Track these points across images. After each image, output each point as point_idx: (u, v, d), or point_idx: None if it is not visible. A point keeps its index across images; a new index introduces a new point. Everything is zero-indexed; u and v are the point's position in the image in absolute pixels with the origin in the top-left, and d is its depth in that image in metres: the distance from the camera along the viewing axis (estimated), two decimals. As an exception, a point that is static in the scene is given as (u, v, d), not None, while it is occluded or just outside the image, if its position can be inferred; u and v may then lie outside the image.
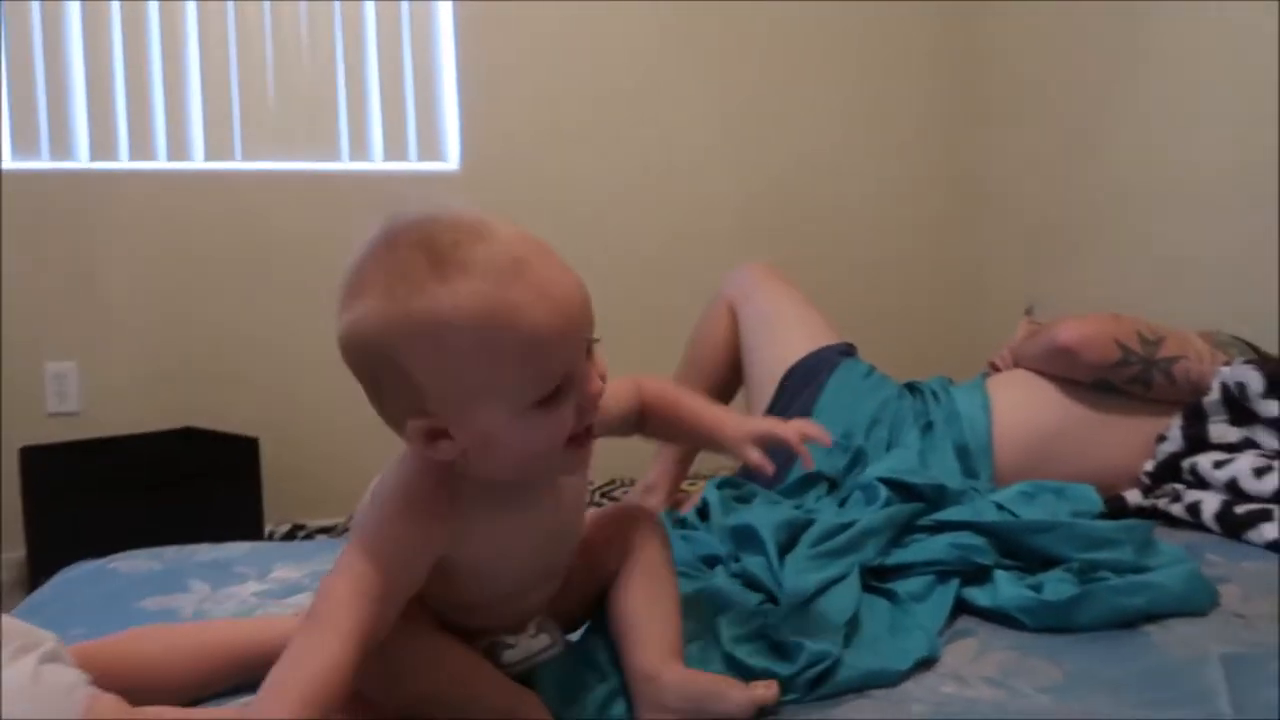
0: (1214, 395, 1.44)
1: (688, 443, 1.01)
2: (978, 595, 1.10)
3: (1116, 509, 1.42)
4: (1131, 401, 1.53)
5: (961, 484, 1.33)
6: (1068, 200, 2.35)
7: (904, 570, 1.14)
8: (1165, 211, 2.07)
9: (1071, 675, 0.92)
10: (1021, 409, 1.56)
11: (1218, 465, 1.37)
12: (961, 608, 1.10)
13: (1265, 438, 1.38)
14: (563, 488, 0.84)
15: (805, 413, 1.60)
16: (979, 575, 1.13)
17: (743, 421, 0.96)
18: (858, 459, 1.47)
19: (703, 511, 1.34)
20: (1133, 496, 1.46)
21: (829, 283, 2.12)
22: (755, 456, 0.93)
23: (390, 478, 0.78)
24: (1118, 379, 1.51)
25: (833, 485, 1.45)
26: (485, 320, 0.68)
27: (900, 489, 1.29)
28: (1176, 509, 1.39)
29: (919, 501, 1.28)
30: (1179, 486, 1.43)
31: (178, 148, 2.50)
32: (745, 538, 1.17)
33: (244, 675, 0.91)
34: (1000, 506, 1.23)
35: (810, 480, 1.46)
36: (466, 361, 0.70)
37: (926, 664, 0.95)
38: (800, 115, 2.77)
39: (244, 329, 2.52)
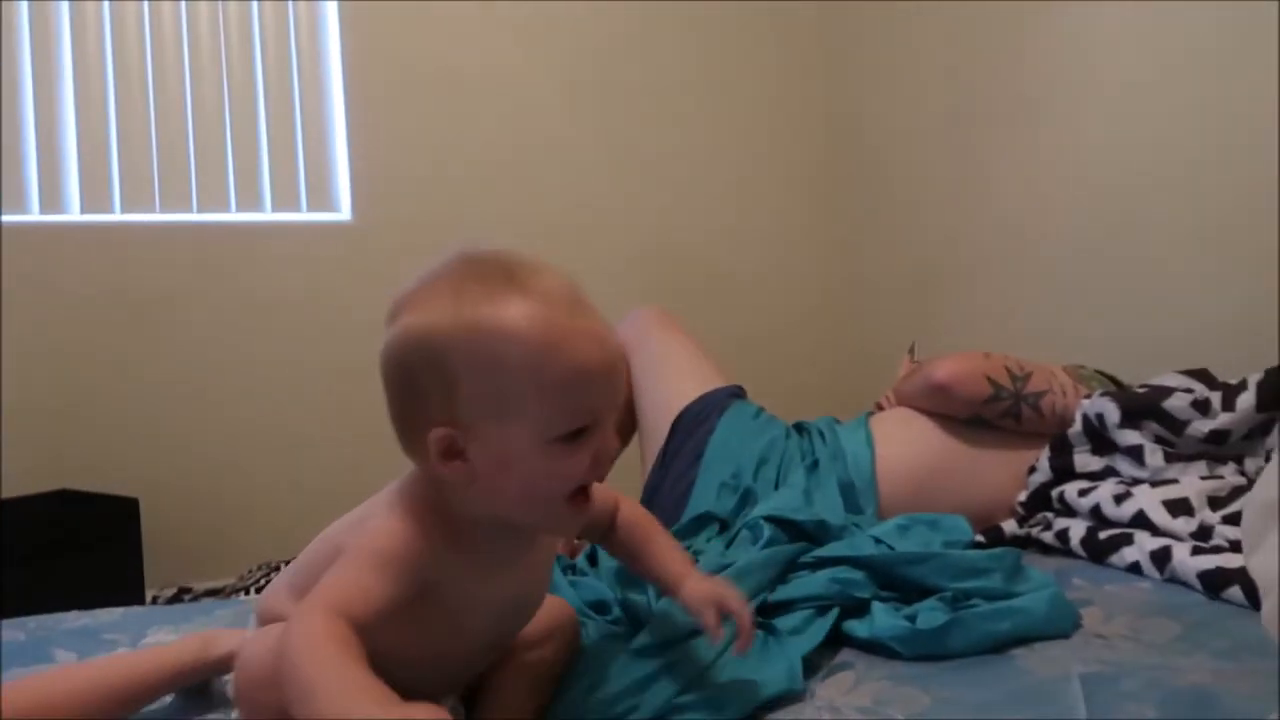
0: (1077, 427, 1.52)
1: (643, 575, 1.02)
2: (857, 627, 1.13)
3: (994, 539, 1.48)
4: (1005, 435, 1.60)
5: (843, 520, 1.36)
6: (953, 239, 2.45)
7: (785, 606, 1.17)
8: (1051, 247, 2.18)
9: (940, 700, 0.95)
10: (903, 445, 1.61)
11: (1082, 493, 1.44)
12: (845, 641, 1.13)
13: (1124, 465, 1.46)
14: (538, 552, 0.85)
15: (697, 454, 1.62)
16: (859, 608, 1.16)
17: (700, 583, 0.95)
18: (746, 498, 1.50)
19: (592, 557, 1.35)
20: (1009, 526, 1.52)
21: (718, 328, 2.16)
22: (711, 620, 0.92)
23: (392, 495, 0.79)
24: (990, 414, 1.58)
25: (723, 525, 1.47)
26: (542, 341, 0.73)
27: (785, 526, 1.32)
28: (1048, 536, 1.45)
29: (803, 538, 1.31)
30: (1049, 515, 1.49)
31: (51, 199, 2.42)
32: (629, 578, 1.18)
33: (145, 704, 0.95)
34: (878, 540, 1.27)
35: (701, 521, 1.48)
36: (514, 375, 0.73)
37: (794, 697, 0.98)
38: (686, 166, 2.84)
39: (121, 384, 2.43)
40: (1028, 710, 0.92)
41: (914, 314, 2.54)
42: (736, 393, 1.74)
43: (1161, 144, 1.92)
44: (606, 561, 1.29)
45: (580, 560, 1.36)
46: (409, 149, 2.65)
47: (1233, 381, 1.44)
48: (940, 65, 2.41)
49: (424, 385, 0.75)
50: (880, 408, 1.80)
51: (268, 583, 1.88)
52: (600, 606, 1.19)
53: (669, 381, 1.77)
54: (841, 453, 1.59)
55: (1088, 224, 2.09)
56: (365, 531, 0.76)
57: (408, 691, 0.65)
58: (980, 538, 1.46)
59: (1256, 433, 1.40)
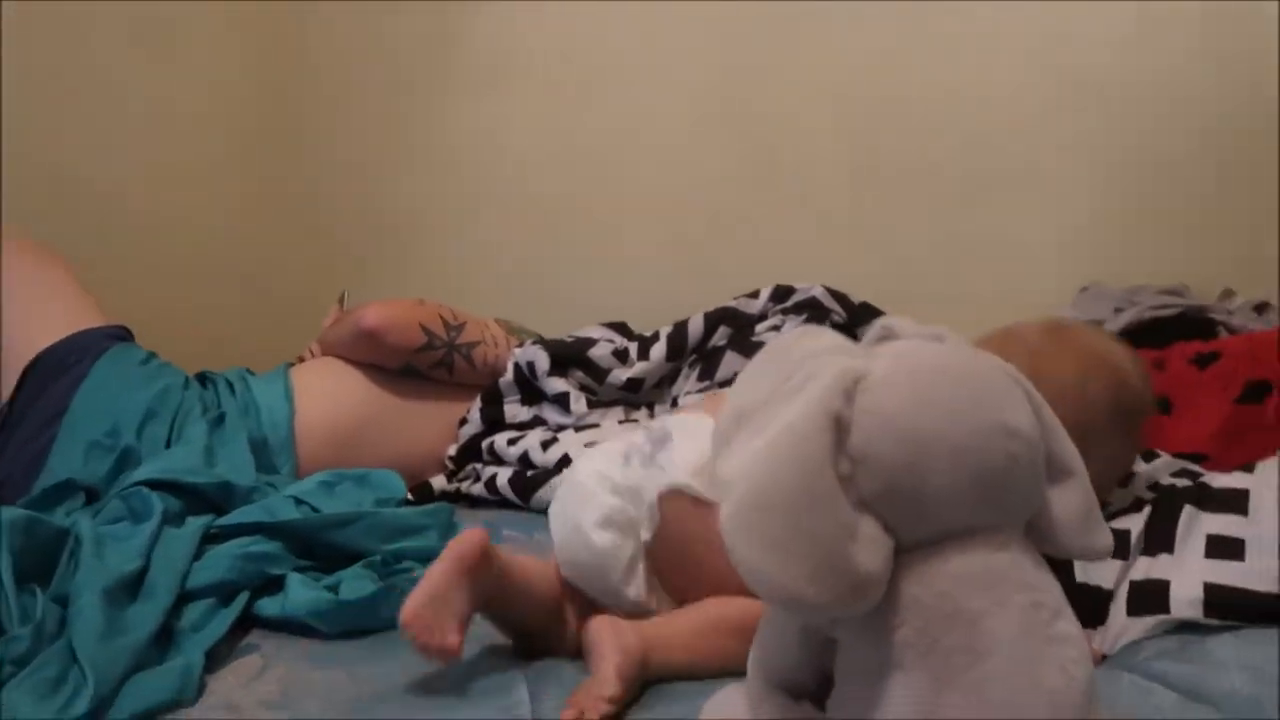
0: (508, 376, 1.50)
1: None
2: (267, 605, 0.95)
3: (423, 495, 1.40)
4: (437, 387, 1.52)
5: (254, 481, 1.15)
6: (394, 195, 2.33)
7: (183, 599, 0.93)
8: (489, 208, 2.15)
9: (366, 686, 0.81)
10: (327, 398, 1.45)
11: (511, 442, 1.42)
12: (253, 621, 0.95)
13: (551, 414, 1.47)
14: None
15: (61, 407, 1.28)
16: (270, 583, 0.97)
17: None
18: (126, 460, 1.20)
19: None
20: (438, 481, 1.46)
21: (121, 266, 1.77)
22: None
23: None
24: (422, 364, 1.49)
25: (92, 495, 1.16)
26: None
27: (178, 491, 1.07)
28: (477, 489, 1.41)
29: (204, 504, 1.08)
30: (478, 466, 1.45)
31: None
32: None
33: None
34: (299, 501, 1.09)
35: (61, 492, 1.15)
36: None
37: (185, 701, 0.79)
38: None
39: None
40: (469, 681, 0.82)
41: (352, 267, 2.37)
42: (118, 334, 1.40)
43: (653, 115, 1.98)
44: None
45: None
46: None
47: (647, 334, 1.52)
48: (406, 23, 2.27)
49: None
50: (303, 360, 1.61)
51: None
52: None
53: (24, 322, 1.38)
54: (254, 405, 1.38)
55: (533, 188, 2.11)
56: None
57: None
58: (409, 495, 1.36)
59: (665, 380, 1.50)
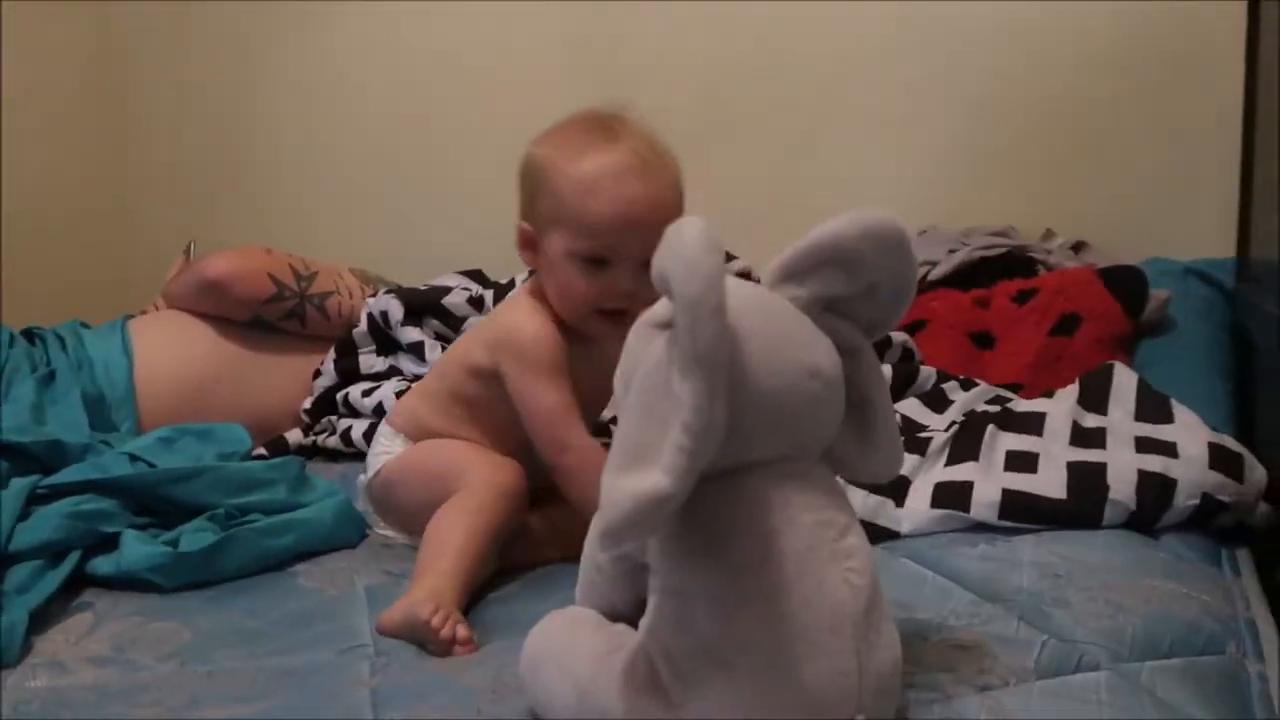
0: (362, 326, 1.48)
1: None
2: (101, 564, 0.93)
3: (278, 449, 1.38)
4: (287, 339, 1.49)
5: (87, 439, 1.11)
6: (235, 139, 2.23)
7: (9, 560, 0.90)
8: (346, 151, 2.10)
9: (203, 634, 0.81)
10: (168, 350, 1.40)
11: (366, 394, 1.40)
12: (87, 582, 0.93)
13: (407, 364, 1.45)
14: (602, 359, 0.88)
15: None
16: (106, 543, 0.95)
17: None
18: (-54, 422, 1.14)
19: None
20: (294, 436, 1.43)
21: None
22: None
23: (520, 297, 1.04)
24: (272, 315, 1.45)
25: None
26: (585, 185, 0.95)
27: (3, 452, 1.03)
28: (333, 441, 1.40)
29: (31, 464, 1.04)
30: (334, 419, 1.43)
31: None
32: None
33: None
34: (135, 458, 1.06)
35: None
36: (562, 201, 0.96)
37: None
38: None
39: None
40: (307, 629, 0.83)
41: (195, 220, 2.27)
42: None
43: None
44: None
45: None
46: None
47: (503, 281, 1.52)
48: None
49: (525, 192, 1.00)
50: (146, 313, 1.54)
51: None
52: None
53: None
54: (89, 361, 1.33)
55: (384, 133, 2.06)
56: (515, 347, 0.98)
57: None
58: (262, 451, 1.34)
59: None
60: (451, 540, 0.88)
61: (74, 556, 0.92)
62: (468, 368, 1.02)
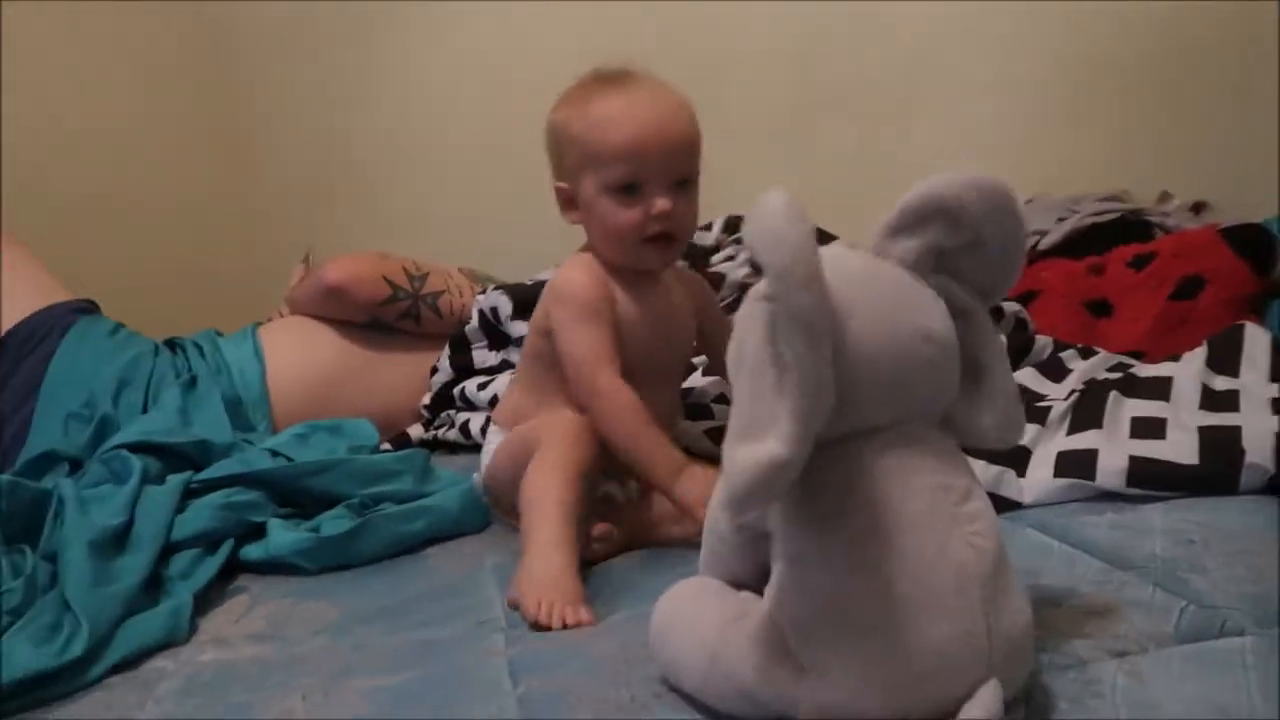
0: (473, 323, 1.52)
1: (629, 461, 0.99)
2: (251, 550, 0.99)
3: (401, 444, 1.42)
4: (404, 339, 1.54)
5: (231, 439, 1.19)
6: (347, 148, 2.32)
7: (172, 549, 0.98)
8: (453, 154, 2.16)
9: (349, 612, 0.86)
10: (296, 354, 1.47)
11: (481, 387, 1.44)
12: (240, 567, 1.00)
13: (518, 357, 1.49)
14: (669, 292, 1.07)
15: (33, 383, 1.31)
16: (255, 532, 1.02)
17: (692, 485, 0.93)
18: (104, 429, 1.23)
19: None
20: (415, 431, 1.48)
21: (78, 244, 1.77)
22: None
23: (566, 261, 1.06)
24: (388, 316, 1.51)
25: (75, 465, 1.19)
26: (597, 120, 0.99)
27: (157, 453, 1.11)
28: (452, 435, 1.44)
29: (183, 463, 1.12)
30: (452, 413, 1.48)
31: None
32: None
33: None
34: (275, 453, 1.13)
35: (44, 463, 1.19)
36: (584, 143, 1.00)
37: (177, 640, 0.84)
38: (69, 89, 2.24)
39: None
40: (441, 606, 0.87)
41: (313, 225, 2.37)
42: (84, 307, 1.43)
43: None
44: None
45: None
46: None
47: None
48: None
49: (552, 155, 1.05)
50: (272, 320, 1.63)
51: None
52: None
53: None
54: (225, 366, 1.41)
55: (491, 133, 2.11)
56: (555, 293, 1.03)
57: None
58: (387, 445, 1.40)
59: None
60: (542, 502, 0.91)
61: (228, 544, 0.98)
62: (536, 328, 1.07)
